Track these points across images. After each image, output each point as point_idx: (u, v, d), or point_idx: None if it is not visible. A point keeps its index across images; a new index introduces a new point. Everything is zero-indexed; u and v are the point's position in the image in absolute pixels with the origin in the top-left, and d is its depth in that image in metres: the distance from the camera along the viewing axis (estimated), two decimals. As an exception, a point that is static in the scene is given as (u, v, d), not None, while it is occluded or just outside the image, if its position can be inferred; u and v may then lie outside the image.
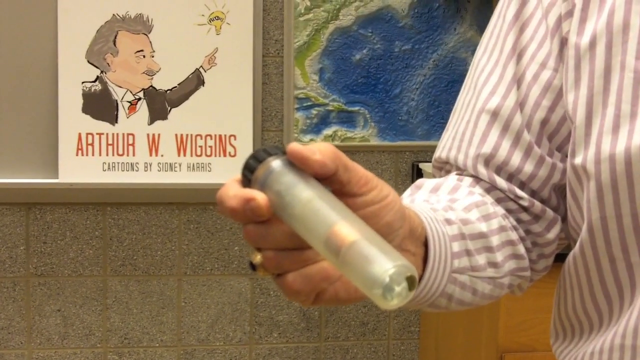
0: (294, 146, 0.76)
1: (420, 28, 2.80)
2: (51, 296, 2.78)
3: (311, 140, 2.79)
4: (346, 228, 0.72)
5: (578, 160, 0.99)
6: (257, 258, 0.79)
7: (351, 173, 0.78)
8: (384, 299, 0.69)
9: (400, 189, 2.85)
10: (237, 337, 2.87)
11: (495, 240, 1.03)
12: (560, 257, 1.13)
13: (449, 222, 0.98)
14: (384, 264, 0.69)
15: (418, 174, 2.81)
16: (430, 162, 2.83)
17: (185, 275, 2.82)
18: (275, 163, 0.77)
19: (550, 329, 1.16)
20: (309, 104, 2.78)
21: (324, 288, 0.80)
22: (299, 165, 0.76)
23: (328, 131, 2.79)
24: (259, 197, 0.75)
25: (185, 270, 2.82)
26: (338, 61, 2.78)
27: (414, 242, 0.90)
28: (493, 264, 1.03)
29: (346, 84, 2.79)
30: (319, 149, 0.76)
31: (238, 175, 0.79)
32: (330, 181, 0.77)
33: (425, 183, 1.09)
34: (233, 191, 0.76)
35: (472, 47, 2.80)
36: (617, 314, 1.00)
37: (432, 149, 2.83)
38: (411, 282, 0.70)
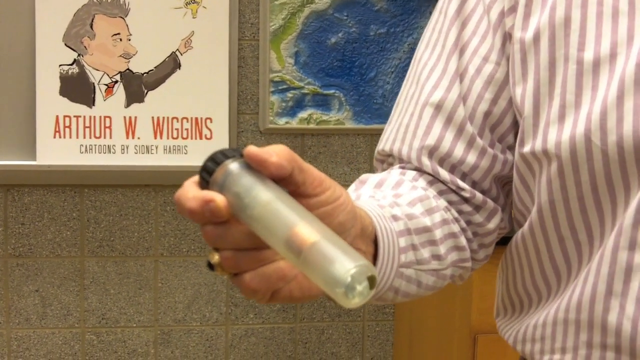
0: (251, 149, 0.77)
1: (396, 12, 2.82)
2: (29, 277, 2.80)
3: (286, 123, 2.81)
4: (306, 229, 0.73)
5: (527, 149, 1.03)
6: (215, 258, 0.80)
7: (306, 174, 0.80)
8: (345, 298, 0.71)
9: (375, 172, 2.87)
10: (213, 317, 2.90)
11: (438, 234, 1.05)
12: (505, 241, 1.17)
13: (395, 218, 1.00)
14: (346, 263, 0.71)
15: (393, 156, 2.83)
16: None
17: (161, 256, 2.85)
18: (233, 165, 0.78)
19: (496, 305, 1.20)
20: (284, 87, 2.80)
21: (280, 287, 0.81)
22: (256, 167, 0.77)
23: (303, 114, 2.81)
24: (218, 198, 0.76)
25: (161, 251, 2.84)
26: (313, 44, 2.80)
27: (365, 241, 0.93)
28: (437, 257, 1.06)
29: (321, 67, 2.81)
30: (275, 152, 0.77)
31: (195, 177, 0.81)
32: (286, 182, 0.79)
33: (369, 178, 1.11)
34: (192, 193, 0.77)
35: (447, 31, 2.82)
36: (563, 287, 1.05)
37: (407, 132, 2.86)
38: (372, 281, 0.72)
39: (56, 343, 2.84)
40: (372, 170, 2.86)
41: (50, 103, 2.69)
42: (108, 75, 2.71)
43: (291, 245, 0.73)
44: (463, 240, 1.10)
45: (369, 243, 0.94)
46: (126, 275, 2.84)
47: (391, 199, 1.04)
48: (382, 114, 2.84)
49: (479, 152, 1.10)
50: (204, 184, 0.79)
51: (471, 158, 1.10)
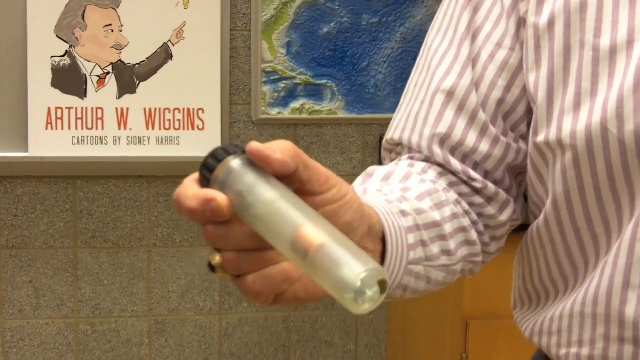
0: (254, 145, 0.74)
1: (388, 1, 2.82)
2: (23, 268, 2.80)
3: (279, 113, 2.81)
4: (313, 230, 0.70)
5: (540, 138, 1.01)
6: (216, 259, 0.76)
7: (311, 171, 0.77)
8: (355, 304, 0.68)
9: (368, 162, 2.88)
10: (207, 307, 2.90)
11: (448, 228, 1.02)
12: (521, 227, 1.15)
13: (404, 213, 0.97)
14: (355, 267, 0.67)
15: (385, 145, 2.84)
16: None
17: (155, 247, 2.85)
18: (235, 162, 0.75)
19: (514, 298, 1.18)
20: (276, 77, 2.80)
21: (285, 289, 0.77)
22: (259, 164, 0.74)
23: (295, 104, 2.81)
24: (220, 197, 0.73)
25: (155, 242, 2.85)
26: (305, 34, 2.80)
27: (373, 240, 0.90)
28: (446, 252, 1.03)
29: (313, 57, 2.81)
30: (279, 148, 0.74)
31: (195, 174, 0.77)
32: (290, 180, 0.75)
33: (376, 171, 1.08)
34: (192, 191, 0.74)
35: (437, 20, 2.81)
36: (580, 280, 1.02)
37: (398, 121, 2.87)
38: (383, 286, 0.68)
39: (50, 333, 2.85)
40: (364, 160, 2.87)
41: (42, 95, 2.69)
42: (100, 66, 2.71)
43: (297, 247, 0.70)
44: (474, 235, 1.07)
45: (376, 241, 0.91)
46: (119, 266, 2.84)
47: (399, 193, 1.01)
48: (375, 104, 2.85)
49: (492, 140, 1.07)
50: (205, 182, 0.76)
51: (484, 147, 1.07)
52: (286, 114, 2.80)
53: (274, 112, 2.80)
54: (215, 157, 0.75)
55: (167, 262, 2.86)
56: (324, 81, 2.82)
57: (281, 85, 2.80)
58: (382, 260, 0.93)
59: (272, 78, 2.79)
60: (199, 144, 2.76)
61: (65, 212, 2.80)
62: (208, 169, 0.75)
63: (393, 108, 2.82)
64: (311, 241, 0.69)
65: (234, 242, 0.74)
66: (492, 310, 2.37)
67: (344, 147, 2.88)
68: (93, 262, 2.83)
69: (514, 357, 2.38)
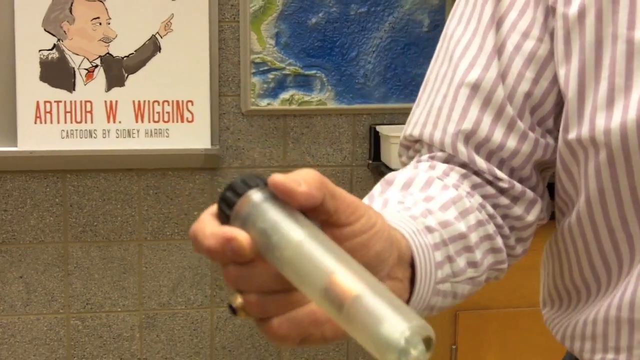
0: (276, 178, 0.68)
1: (376, -9, 2.82)
2: (13, 263, 2.79)
3: (268, 104, 2.80)
4: (347, 277, 0.64)
5: (572, 135, 0.96)
6: (238, 301, 0.70)
7: (338, 201, 0.71)
8: None
9: (358, 152, 2.87)
10: (198, 300, 2.89)
11: (473, 238, 0.97)
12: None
13: (429, 229, 0.91)
14: (398, 324, 0.61)
15: (375, 136, 2.83)
16: (388, 124, 2.86)
17: (145, 240, 2.84)
18: (257, 196, 0.68)
19: (542, 296, 1.15)
20: (265, 68, 2.79)
21: (312, 332, 0.71)
22: (282, 198, 0.68)
23: (285, 95, 2.80)
24: (241, 236, 0.67)
25: (145, 235, 2.84)
26: (294, 25, 2.79)
27: (402, 267, 0.84)
28: (473, 264, 0.97)
29: (302, 47, 2.80)
30: (303, 179, 0.68)
31: (213, 207, 0.71)
32: (316, 212, 0.70)
33: (396, 178, 1.02)
34: (210, 229, 0.68)
35: (428, 9, 2.81)
36: (614, 283, 0.99)
37: (389, 111, 2.86)
38: (428, 343, 0.61)
39: (41, 329, 2.84)
40: (354, 150, 2.86)
41: (31, 89, 2.68)
42: (88, 59, 2.70)
43: (330, 296, 0.63)
44: (499, 242, 1.01)
45: (406, 268, 0.85)
46: (110, 259, 2.83)
47: (422, 204, 0.95)
48: (364, 94, 2.84)
49: (520, 136, 1.01)
50: (224, 218, 0.69)
51: (511, 143, 1.01)
52: (276, 105, 2.79)
53: (264, 103, 2.80)
54: (235, 191, 0.69)
55: (157, 255, 2.85)
56: (313, 72, 2.81)
57: (270, 76, 2.79)
58: (411, 286, 0.87)
59: (261, 69, 2.78)
60: (189, 136, 2.75)
61: (55, 206, 2.78)
62: (227, 204, 0.69)
63: (383, 98, 2.82)
64: (346, 291, 0.63)
65: (257, 283, 0.69)
66: (482, 301, 2.37)
67: (334, 137, 2.87)
68: (83, 256, 2.81)
69: (504, 347, 2.37)
